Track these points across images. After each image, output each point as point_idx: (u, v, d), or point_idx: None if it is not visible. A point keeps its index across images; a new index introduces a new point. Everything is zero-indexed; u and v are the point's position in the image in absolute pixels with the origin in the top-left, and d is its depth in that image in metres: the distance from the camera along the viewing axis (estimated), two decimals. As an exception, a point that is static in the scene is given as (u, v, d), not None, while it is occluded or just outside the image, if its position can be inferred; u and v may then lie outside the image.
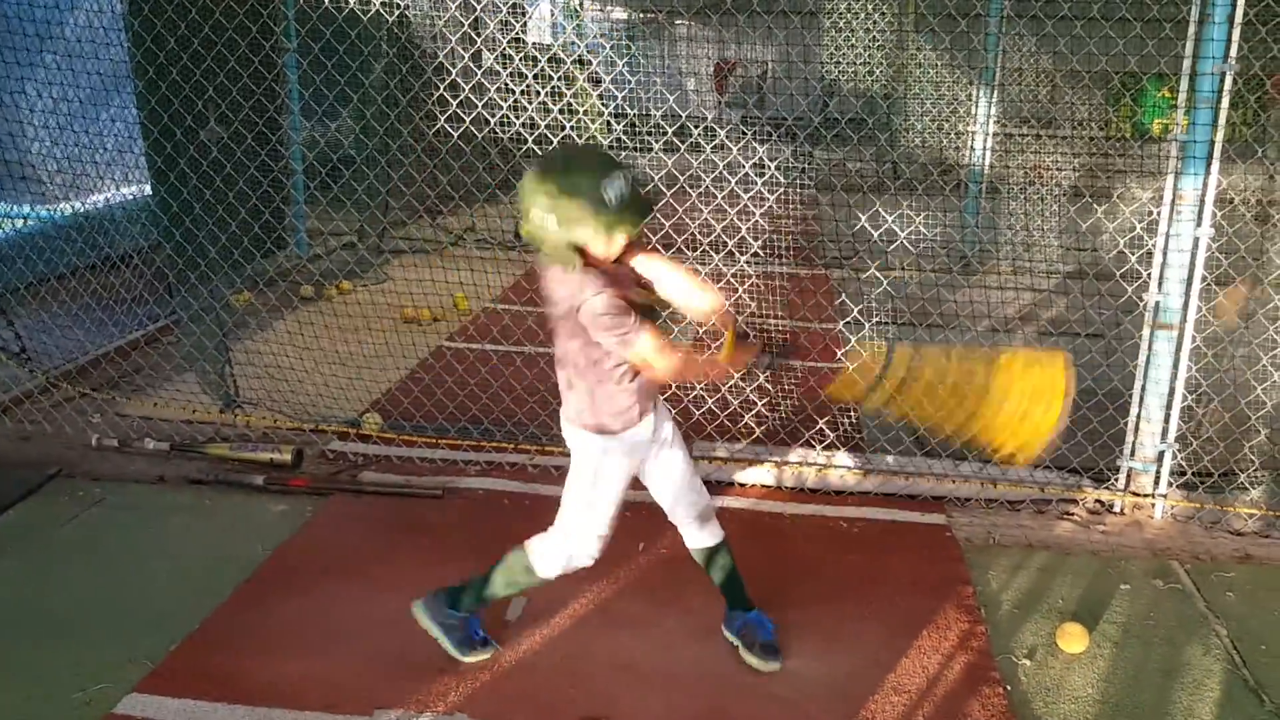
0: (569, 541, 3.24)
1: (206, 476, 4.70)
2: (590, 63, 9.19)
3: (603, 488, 3.17)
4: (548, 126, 5.27)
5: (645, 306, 2.98)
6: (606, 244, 2.85)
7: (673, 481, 3.30)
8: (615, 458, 3.14)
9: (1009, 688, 3.35)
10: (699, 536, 3.39)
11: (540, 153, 5.26)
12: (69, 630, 3.56)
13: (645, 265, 3.10)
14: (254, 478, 4.65)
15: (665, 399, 3.32)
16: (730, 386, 5.24)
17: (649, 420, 3.14)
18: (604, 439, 3.11)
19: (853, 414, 5.25)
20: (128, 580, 3.90)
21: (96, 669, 3.32)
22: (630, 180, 2.83)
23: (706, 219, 5.31)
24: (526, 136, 5.21)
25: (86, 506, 4.46)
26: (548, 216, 2.79)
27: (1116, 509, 4.57)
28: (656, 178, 5.17)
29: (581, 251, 2.85)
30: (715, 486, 4.68)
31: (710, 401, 5.15)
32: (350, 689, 3.26)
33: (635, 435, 3.12)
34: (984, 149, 9.31)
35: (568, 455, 3.24)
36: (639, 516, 4.39)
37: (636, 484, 4.53)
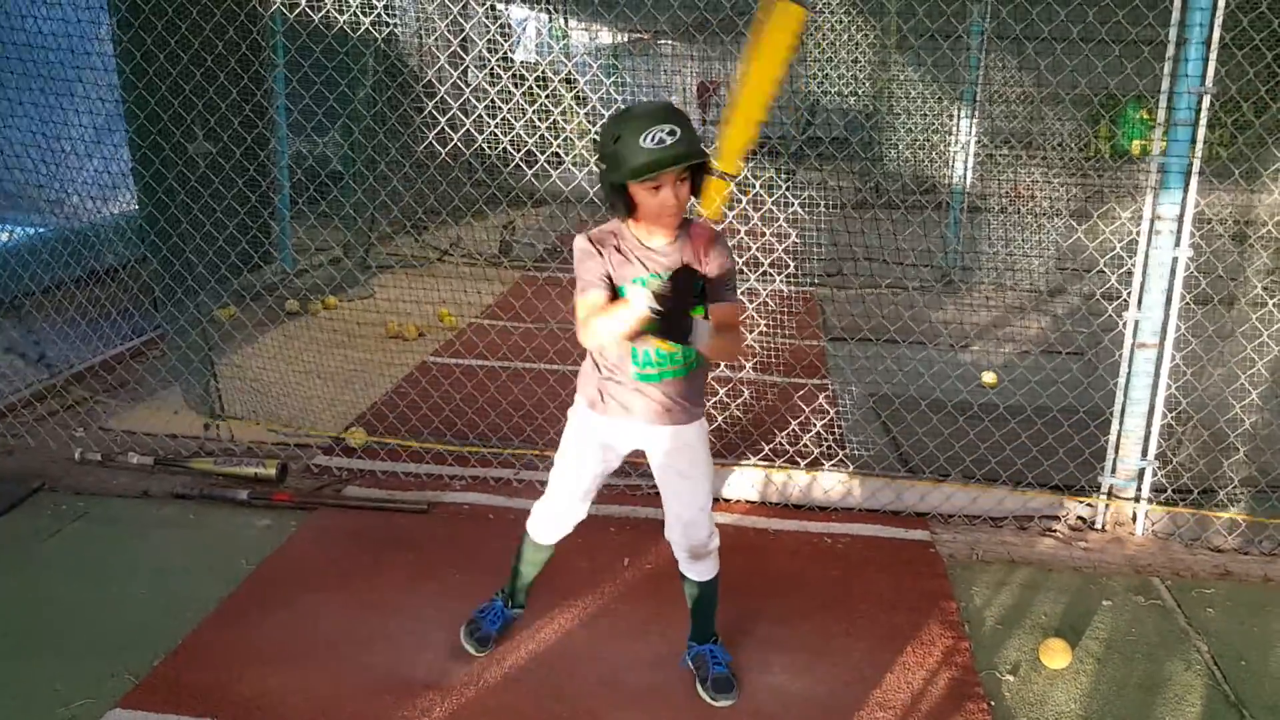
0: (544, 500, 3.39)
1: (190, 491, 4.69)
2: (576, 81, 9.24)
3: (564, 448, 3.27)
4: (533, 144, 5.30)
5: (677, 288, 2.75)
6: (636, 192, 2.77)
7: (670, 509, 3.28)
8: (574, 423, 3.24)
9: (993, 703, 3.37)
10: (687, 568, 3.37)
11: (526, 169, 5.31)
12: (52, 645, 3.54)
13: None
14: (238, 492, 4.65)
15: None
16: (716, 402, 5.26)
17: (609, 422, 3.14)
18: (577, 401, 3.22)
19: (836, 429, 5.27)
20: (111, 594, 3.89)
21: (79, 684, 3.31)
22: (674, 134, 2.69)
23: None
24: (513, 154, 5.24)
25: (70, 521, 4.44)
26: (598, 158, 2.86)
27: (1098, 525, 4.60)
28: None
29: (630, 206, 2.82)
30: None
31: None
32: (333, 704, 3.25)
33: (592, 416, 3.16)
34: (966, 168, 9.40)
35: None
36: (624, 532, 4.42)
37: (626, 499, 4.59)
